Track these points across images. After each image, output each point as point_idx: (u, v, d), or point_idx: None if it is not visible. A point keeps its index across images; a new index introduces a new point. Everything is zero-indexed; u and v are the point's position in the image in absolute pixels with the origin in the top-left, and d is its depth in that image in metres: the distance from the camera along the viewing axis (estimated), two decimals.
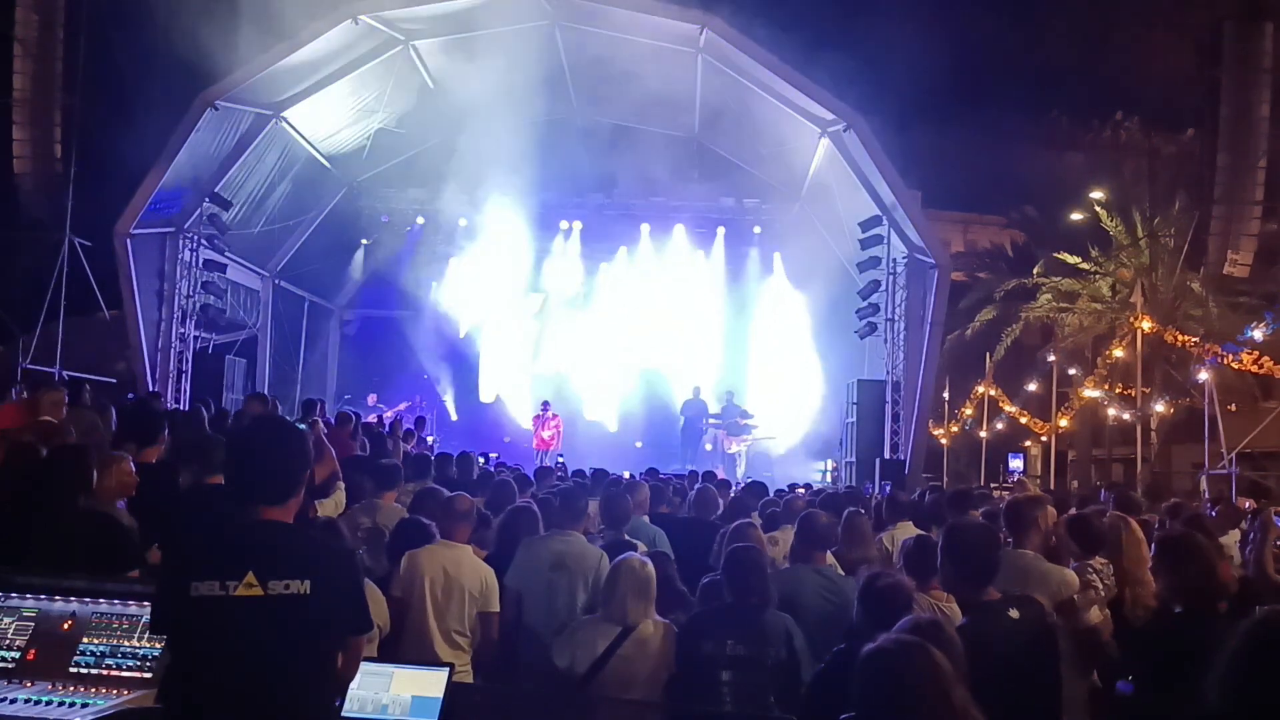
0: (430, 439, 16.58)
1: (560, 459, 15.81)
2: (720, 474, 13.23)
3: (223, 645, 2.51)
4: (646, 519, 6.66)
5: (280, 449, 2.75)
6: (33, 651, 3.09)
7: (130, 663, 3.07)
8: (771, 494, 8.96)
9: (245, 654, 2.51)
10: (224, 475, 3.21)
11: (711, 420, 18.66)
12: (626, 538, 5.68)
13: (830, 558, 5.28)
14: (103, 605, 3.19)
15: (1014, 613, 3.56)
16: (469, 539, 5.07)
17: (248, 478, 2.73)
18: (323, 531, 4.14)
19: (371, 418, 15.87)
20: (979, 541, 3.72)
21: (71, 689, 2.98)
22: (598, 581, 4.94)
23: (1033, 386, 23.87)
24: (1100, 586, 4.63)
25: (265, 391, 16.44)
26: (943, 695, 2.30)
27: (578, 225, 20.85)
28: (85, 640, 3.11)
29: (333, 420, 10.00)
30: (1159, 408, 20.42)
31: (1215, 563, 3.90)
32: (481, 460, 12.24)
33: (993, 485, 17.49)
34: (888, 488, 12.03)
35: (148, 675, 3.03)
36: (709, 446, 18.50)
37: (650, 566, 4.38)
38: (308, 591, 2.55)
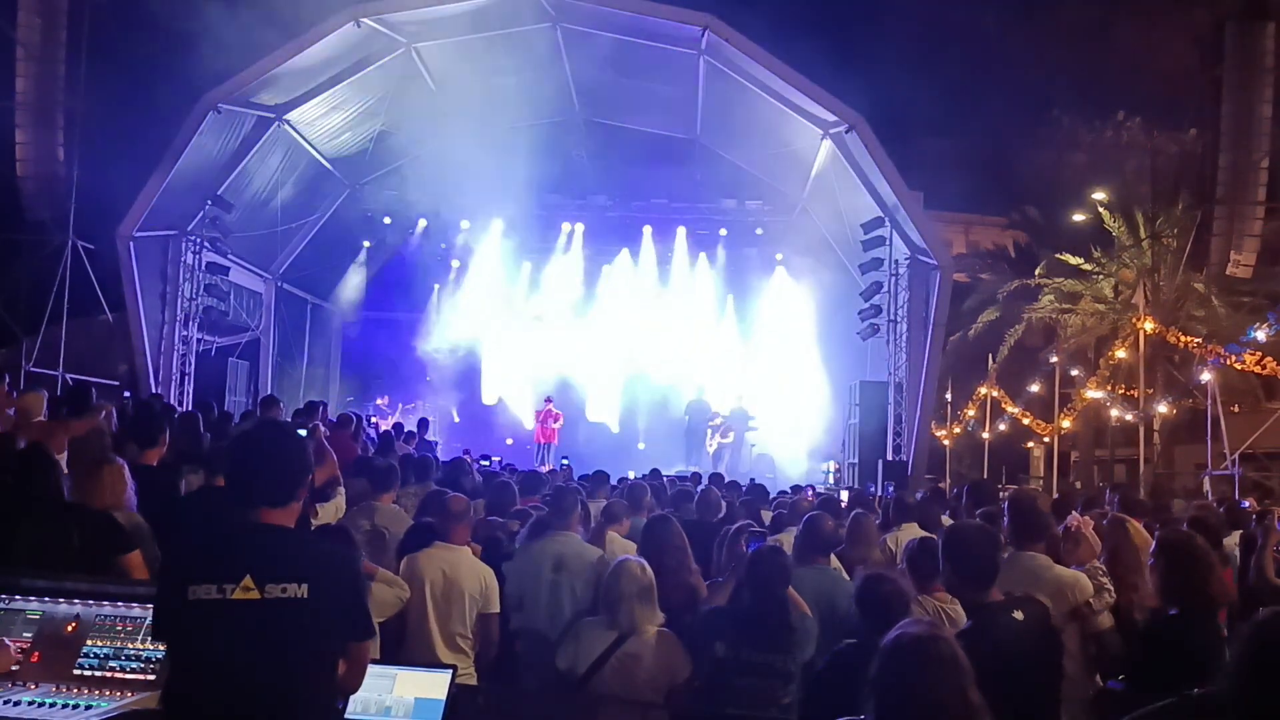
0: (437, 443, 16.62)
1: (565, 461, 15.83)
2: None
3: (220, 649, 2.50)
4: (644, 519, 6.66)
5: (281, 452, 2.74)
6: (37, 654, 3.09)
7: (134, 665, 3.07)
8: (774, 495, 8.96)
9: (243, 658, 2.50)
10: (225, 477, 3.22)
11: (714, 422, 18.69)
12: (609, 533, 5.70)
13: (834, 559, 5.28)
14: (106, 607, 3.19)
15: (1018, 614, 3.55)
16: (467, 539, 5.06)
17: (248, 480, 2.71)
18: (330, 536, 4.12)
19: (386, 421, 15.95)
20: (979, 543, 3.71)
21: (75, 691, 2.98)
22: (598, 580, 4.95)
23: (1035, 387, 23.84)
24: (1111, 590, 4.62)
25: (267, 394, 16.47)
26: (962, 689, 2.29)
27: (580, 227, 20.86)
28: (89, 642, 3.11)
29: (333, 421, 10.01)
30: (1161, 409, 20.39)
31: (1213, 566, 3.89)
32: (484, 463, 12.24)
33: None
34: (890, 489, 12.02)
35: (151, 677, 3.03)
36: (711, 448, 18.53)
37: (650, 570, 4.37)
38: (305, 595, 2.53)
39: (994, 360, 23.52)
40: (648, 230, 20.77)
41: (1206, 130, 20.13)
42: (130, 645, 3.10)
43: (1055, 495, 10.97)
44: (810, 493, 10.65)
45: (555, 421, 18.65)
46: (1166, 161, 23.26)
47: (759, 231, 20.54)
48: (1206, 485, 16.98)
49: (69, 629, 3.15)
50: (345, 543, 3.98)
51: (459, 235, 20.47)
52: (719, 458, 18.21)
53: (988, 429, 23.77)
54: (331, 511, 5.72)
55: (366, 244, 21.06)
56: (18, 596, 3.23)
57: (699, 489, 8.07)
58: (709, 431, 18.65)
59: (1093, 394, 20.81)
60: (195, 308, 15.62)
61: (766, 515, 7.17)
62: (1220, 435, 17.02)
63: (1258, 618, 2.22)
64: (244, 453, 2.78)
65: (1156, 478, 18.29)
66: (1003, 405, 23.43)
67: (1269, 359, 16.35)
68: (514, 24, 15.47)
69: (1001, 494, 8.60)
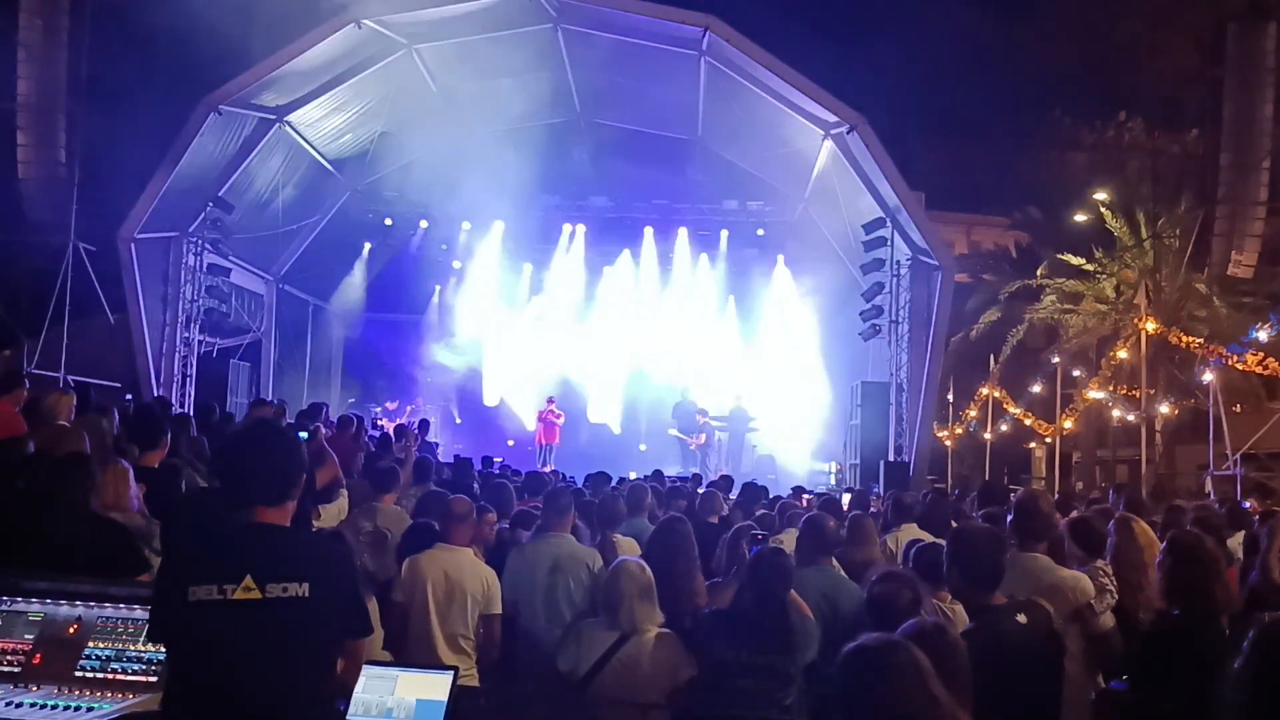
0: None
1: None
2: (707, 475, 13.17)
3: (221, 649, 2.50)
4: (646, 520, 6.65)
5: (273, 450, 2.74)
6: (39, 655, 3.10)
7: (136, 666, 3.07)
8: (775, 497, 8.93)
9: (244, 658, 2.50)
10: (218, 478, 3.21)
11: (714, 422, 18.64)
12: (615, 537, 5.70)
13: (834, 560, 5.27)
14: (108, 609, 3.19)
15: (1021, 617, 3.54)
16: (468, 540, 5.06)
17: (242, 479, 2.71)
18: (326, 538, 4.11)
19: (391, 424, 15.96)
20: (985, 546, 3.70)
21: (77, 693, 2.99)
22: (594, 581, 4.94)
23: (1037, 388, 23.81)
24: (1113, 590, 4.61)
25: (269, 396, 16.49)
26: (926, 693, 2.29)
27: (581, 229, 20.86)
28: (91, 644, 3.12)
29: (335, 423, 10.00)
30: (1163, 409, 20.36)
31: (1220, 569, 3.88)
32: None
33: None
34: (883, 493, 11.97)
35: (153, 679, 3.03)
36: (693, 446, 18.45)
37: (649, 570, 4.36)
38: (306, 594, 2.54)
39: (996, 361, 23.51)
40: (649, 231, 20.76)
41: (1208, 130, 20.12)
42: (132, 647, 3.10)
43: (1057, 496, 10.96)
44: (805, 497, 10.60)
45: (557, 421, 18.65)
46: (1168, 162, 23.27)
47: (760, 232, 20.52)
48: (1208, 486, 16.96)
49: (71, 631, 3.16)
50: (338, 543, 3.97)
51: (460, 236, 20.48)
52: (705, 462, 18.14)
53: (989, 429, 23.75)
54: (334, 513, 5.72)
55: (368, 245, 21.06)
56: (19, 598, 3.23)
57: (700, 490, 8.06)
58: (686, 435, 18.55)
59: (1094, 394, 20.78)
60: (196, 309, 15.62)
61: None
62: (1222, 436, 16.99)
63: (1264, 621, 2.21)
64: (236, 453, 2.79)
65: (1158, 478, 18.28)
66: (1004, 406, 23.40)
67: (1270, 359, 16.31)
68: (514, 25, 15.46)
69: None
